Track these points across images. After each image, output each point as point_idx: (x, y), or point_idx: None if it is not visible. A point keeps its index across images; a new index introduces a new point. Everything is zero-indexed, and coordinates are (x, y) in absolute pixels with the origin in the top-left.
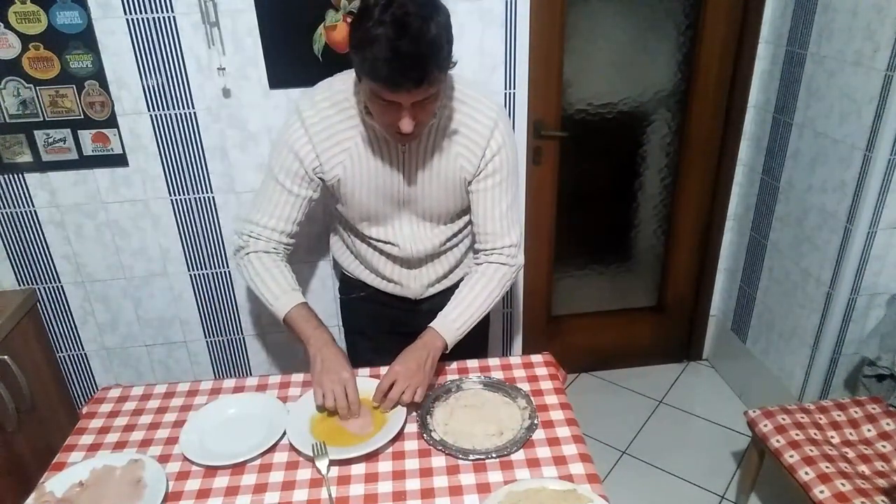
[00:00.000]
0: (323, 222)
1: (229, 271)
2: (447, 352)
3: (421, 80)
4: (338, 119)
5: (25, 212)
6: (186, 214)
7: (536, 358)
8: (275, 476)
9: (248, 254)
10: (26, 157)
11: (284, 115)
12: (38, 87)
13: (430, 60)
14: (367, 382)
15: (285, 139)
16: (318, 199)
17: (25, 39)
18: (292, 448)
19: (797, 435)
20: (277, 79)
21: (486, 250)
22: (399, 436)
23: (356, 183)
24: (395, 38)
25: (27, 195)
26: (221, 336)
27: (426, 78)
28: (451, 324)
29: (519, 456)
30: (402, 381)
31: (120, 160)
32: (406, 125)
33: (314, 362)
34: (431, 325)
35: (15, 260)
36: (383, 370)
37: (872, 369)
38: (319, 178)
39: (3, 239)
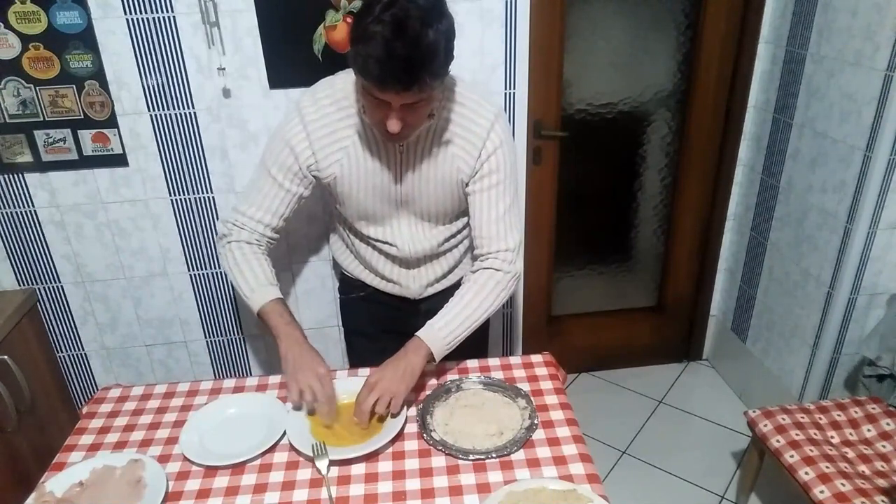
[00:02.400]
0: (323, 222)
1: None
2: (435, 362)
3: (410, 84)
4: (337, 117)
5: (25, 212)
6: (186, 214)
7: (536, 358)
8: (275, 476)
9: (229, 242)
10: (26, 157)
11: (284, 115)
12: (38, 87)
13: (423, 66)
14: (357, 383)
15: (283, 134)
16: (317, 198)
17: (25, 39)
18: (292, 448)
19: (797, 435)
20: (277, 79)
21: (482, 255)
22: (399, 436)
23: (353, 182)
24: (390, 39)
25: (27, 195)
26: (221, 336)
27: (416, 83)
28: (437, 332)
29: (519, 456)
30: (377, 392)
31: (120, 160)
32: (393, 125)
33: (285, 360)
34: (417, 333)
35: (15, 260)
36: (391, 359)
37: (872, 369)
38: (314, 176)
39: (3, 239)
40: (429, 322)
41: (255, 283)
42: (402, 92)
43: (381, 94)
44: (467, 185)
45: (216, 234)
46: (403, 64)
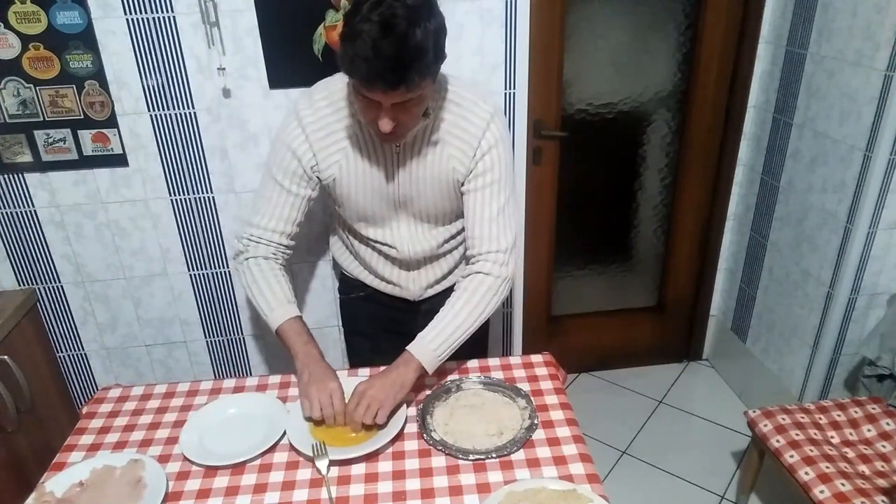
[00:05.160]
0: (323, 222)
1: (229, 271)
2: (429, 374)
3: (398, 83)
4: (334, 119)
5: (25, 212)
6: (186, 214)
7: (536, 358)
8: (275, 476)
9: (247, 259)
10: (26, 157)
11: (284, 115)
12: (38, 87)
13: (410, 65)
14: (352, 383)
15: (283, 139)
16: (318, 199)
17: (25, 39)
18: (292, 448)
19: (797, 435)
20: (277, 79)
21: (474, 256)
22: (399, 436)
23: (351, 183)
24: (377, 38)
25: (27, 195)
26: (221, 336)
27: (404, 81)
28: (427, 345)
29: (519, 456)
30: (365, 401)
31: (120, 160)
32: (385, 125)
33: (301, 375)
34: (408, 347)
35: (15, 260)
36: (382, 370)
37: (872, 369)
38: (317, 178)
39: (3, 239)
40: (419, 335)
41: (274, 301)
42: (389, 91)
43: (369, 94)
44: (463, 184)
45: (221, 237)
46: (390, 63)
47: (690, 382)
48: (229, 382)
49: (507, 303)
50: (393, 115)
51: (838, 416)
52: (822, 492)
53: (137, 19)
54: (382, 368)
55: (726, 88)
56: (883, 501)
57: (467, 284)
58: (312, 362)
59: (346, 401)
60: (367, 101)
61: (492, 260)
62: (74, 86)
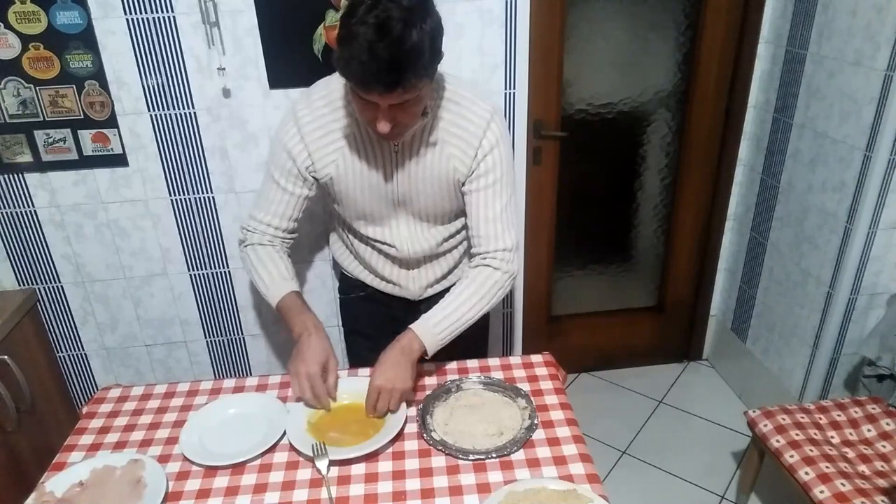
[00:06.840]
0: (323, 222)
1: (229, 271)
2: (428, 357)
3: (394, 85)
4: (332, 118)
5: (25, 212)
6: (186, 214)
7: (536, 358)
8: (275, 476)
9: (246, 246)
10: (26, 157)
11: (283, 114)
12: (38, 87)
13: (406, 67)
14: (357, 382)
15: (280, 138)
16: (318, 198)
17: (25, 39)
18: (292, 448)
19: (797, 435)
20: (277, 79)
21: (479, 254)
22: (399, 436)
23: (349, 182)
24: (373, 41)
25: (27, 195)
26: (221, 336)
27: (400, 83)
28: (432, 328)
29: (519, 456)
30: (385, 394)
31: (120, 160)
32: (383, 126)
33: (294, 350)
34: (412, 326)
35: (15, 260)
36: (387, 355)
37: (872, 369)
38: (313, 177)
39: (3, 239)
40: (424, 316)
41: (270, 280)
42: (386, 93)
43: (365, 95)
44: (464, 184)
45: (221, 237)
46: (386, 65)
47: (690, 382)
48: (229, 382)
49: (507, 303)
50: (391, 115)
51: (838, 416)
52: (822, 492)
53: (137, 19)
54: (385, 353)
55: (726, 88)
56: (883, 501)
57: (476, 275)
58: (303, 334)
59: (333, 389)
60: (364, 103)
61: (500, 258)
62: (74, 86)
